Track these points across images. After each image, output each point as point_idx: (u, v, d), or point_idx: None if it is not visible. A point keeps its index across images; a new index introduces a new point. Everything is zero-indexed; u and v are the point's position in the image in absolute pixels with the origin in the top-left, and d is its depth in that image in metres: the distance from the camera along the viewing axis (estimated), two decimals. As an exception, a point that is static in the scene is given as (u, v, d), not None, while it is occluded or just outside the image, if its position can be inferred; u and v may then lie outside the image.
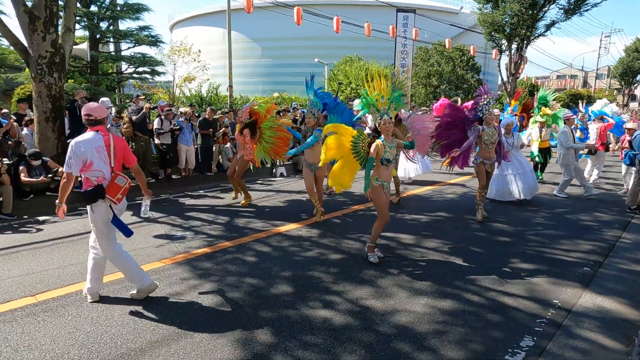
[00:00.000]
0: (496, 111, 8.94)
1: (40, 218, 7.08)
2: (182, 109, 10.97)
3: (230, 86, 15.98)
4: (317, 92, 6.88)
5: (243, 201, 8.14)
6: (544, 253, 5.52)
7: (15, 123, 8.44)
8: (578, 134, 10.50)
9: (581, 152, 10.16)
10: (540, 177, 10.40)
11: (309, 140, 6.68)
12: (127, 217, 7.18)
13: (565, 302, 4.14)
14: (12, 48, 9.27)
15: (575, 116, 9.62)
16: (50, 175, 7.89)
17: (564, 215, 7.42)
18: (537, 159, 10.35)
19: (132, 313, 3.83)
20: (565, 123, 9.09)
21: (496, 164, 7.11)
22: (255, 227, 6.56)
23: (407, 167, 9.95)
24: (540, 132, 10.19)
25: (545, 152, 10.32)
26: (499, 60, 29.18)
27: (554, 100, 11.89)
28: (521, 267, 5.01)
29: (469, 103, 7.99)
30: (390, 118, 4.92)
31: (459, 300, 4.14)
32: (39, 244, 5.75)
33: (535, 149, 10.31)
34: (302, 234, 6.22)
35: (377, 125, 4.98)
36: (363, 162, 5.07)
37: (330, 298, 4.16)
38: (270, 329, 3.59)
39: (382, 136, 4.89)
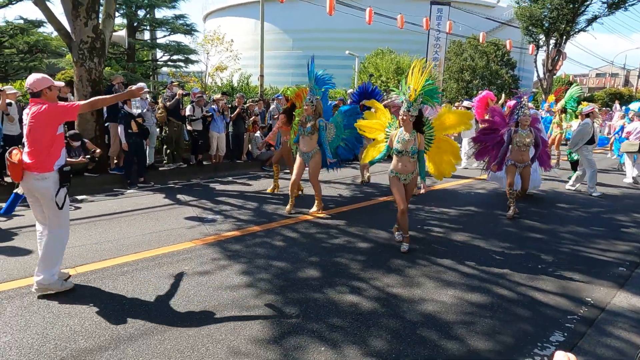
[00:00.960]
0: (531, 110, 8.70)
1: (79, 197, 7.36)
2: (215, 96, 11.14)
3: (262, 75, 16.11)
4: (318, 78, 6.54)
5: (269, 189, 8.23)
6: (577, 251, 5.37)
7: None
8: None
9: (625, 150, 9.88)
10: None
11: (308, 129, 6.44)
12: (160, 200, 7.41)
13: (599, 301, 4.04)
14: (54, 35, 9.61)
15: (595, 109, 9.29)
16: (88, 156, 8.19)
17: (600, 215, 7.19)
18: (571, 156, 10.05)
19: (164, 289, 3.96)
20: (587, 117, 8.77)
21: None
22: (284, 213, 6.64)
23: None
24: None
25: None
26: (536, 55, 28.22)
27: (584, 99, 11.71)
28: (553, 264, 4.90)
29: (511, 102, 7.91)
30: (410, 111, 4.84)
31: (488, 294, 4.09)
32: (78, 220, 5.99)
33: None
34: (330, 222, 6.26)
35: (400, 115, 4.99)
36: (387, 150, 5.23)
37: (357, 284, 4.19)
38: (298, 310, 3.65)
39: (402, 127, 4.94)
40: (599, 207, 7.78)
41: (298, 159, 6.68)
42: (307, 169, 6.80)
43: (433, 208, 7.29)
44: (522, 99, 6.86)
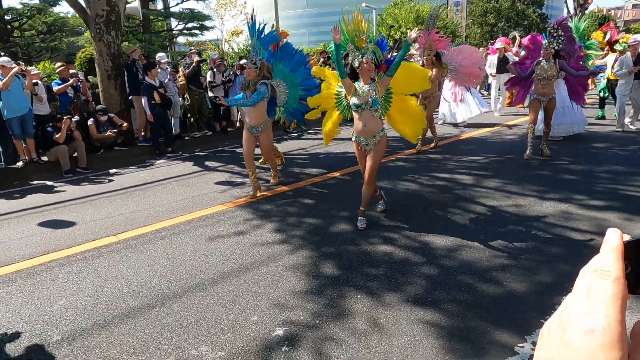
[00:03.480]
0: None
1: (111, 170, 7.59)
2: (242, 62, 11.02)
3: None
4: (261, 37, 5.39)
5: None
6: (615, 190, 5.21)
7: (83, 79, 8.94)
8: None
9: None
10: (600, 115, 9.69)
11: (252, 96, 5.16)
12: (189, 167, 7.56)
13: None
14: (70, 15, 9.62)
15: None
16: (115, 131, 8.36)
17: (638, 152, 6.90)
18: (601, 93, 9.58)
19: (202, 249, 4.10)
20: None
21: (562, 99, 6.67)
22: (310, 172, 6.66)
23: (456, 110, 9.55)
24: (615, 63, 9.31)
25: (612, 85, 9.48)
26: (566, -10, 26.52)
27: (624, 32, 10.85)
28: (590, 204, 4.78)
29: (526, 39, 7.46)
30: (371, 57, 4.15)
31: (523, 236, 4.05)
32: (113, 192, 6.21)
33: (603, 83, 9.51)
34: (358, 177, 6.25)
35: (356, 67, 4.18)
36: (343, 111, 4.62)
37: (389, 235, 4.22)
38: (332, 262, 3.73)
39: (361, 79, 4.19)
40: (636, 144, 7.45)
41: (245, 133, 5.55)
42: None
43: (462, 157, 7.15)
44: (551, 25, 6.25)
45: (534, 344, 2.61)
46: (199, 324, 2.94)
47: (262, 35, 5.40)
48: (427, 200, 5.11)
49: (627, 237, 0.40)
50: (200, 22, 17.11)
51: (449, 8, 23.77)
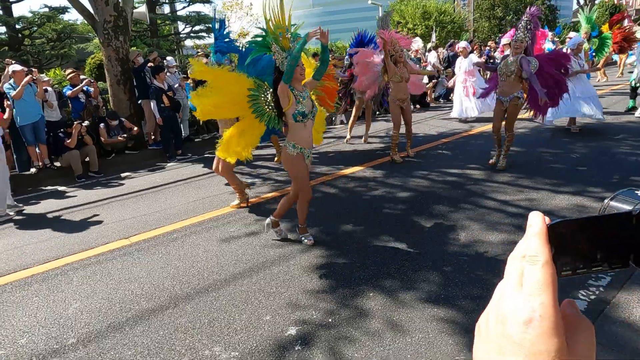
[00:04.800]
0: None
1: (123, 174, 7.65)
2: None
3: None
4: (217, 42, 5.00)
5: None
6: (631, 182, 5.11)
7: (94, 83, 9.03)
8: None
9: None
10: (631, 106, 9.48)
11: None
12: (199, 169, 7.59)
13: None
14: (79, 22, 9.73)
15: None
16: (125, 135, 8.43)
17: (654, 143, 6.77)
18: (634, 83, 9.33)
19: (214, 250, 4.12)
20: None
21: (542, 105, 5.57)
22: (321, 171, 6.65)
23: (467, 106, 9.44)
24: None
25: None
26: (575, -20, 26.13)
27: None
28: (605, 197, 4.68)
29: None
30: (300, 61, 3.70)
31: (536, 230, 3.99)
32: (125, 195, 6.26)
33: (636, 73, 9.22)
34: (367, 175, 6.23)
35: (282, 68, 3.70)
36: (270, 122, 4.06)
37: (400, 232, 4.19)
38: (344, 260, 3.71)
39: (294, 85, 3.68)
40: (653, 134, 7.31)
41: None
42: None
43: (472, 152, 7.08)
44: (523, 19, 5.35)
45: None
46: (212, 325, 2.94)
47: (221, 40, 4.97)
48: (438, 196, 5.06)
49: (547, 220, 0.40)
50: (207, 25, 17.19)
51: (455, 2, 23.58)
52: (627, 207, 0.40)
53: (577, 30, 10.58)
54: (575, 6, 26.91)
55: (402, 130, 6.79)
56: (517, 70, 5.37)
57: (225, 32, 5.05)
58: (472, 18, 25.19)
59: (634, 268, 0.40)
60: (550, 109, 7.50)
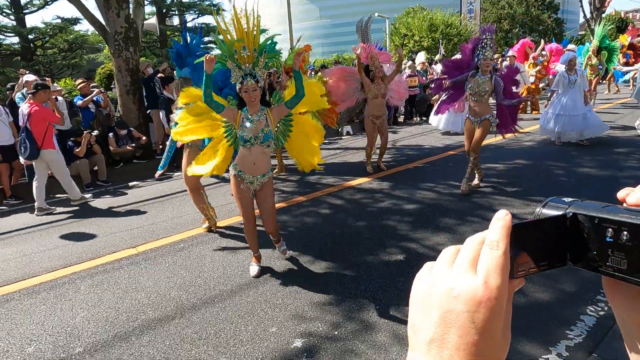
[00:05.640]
0: (495, 55, 6.79)
1: (130, 183, 7.71)
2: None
3: (292, 49, 15.95)
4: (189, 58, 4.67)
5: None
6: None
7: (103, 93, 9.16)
8: None
9: None
10: None
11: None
12: (206, 179, 7.60)
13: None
14: (90, 32, 9.89)
15: None
16: (133, 145, 8.52)
17: (663, 157, 6.73)
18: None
19: (220, 261, 4.13)
20: None
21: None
22: (327, 182, 6.67)
23: (454, 119, 9.27)
24: None
25: None
26: (581, -6, 26.23)
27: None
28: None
29: (549, 46, 7.29)
30: (258, 81, 3.34)
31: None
32: (133, 204, 6.31)
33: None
34: (374, 187, 6.24)
35: (237, 91, 3.43)
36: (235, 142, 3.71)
37: (406, 245, 4.19)
38: (351, 272, 3.71)
39: (247, 107, 3.42)
40: (662, 148, 7.27)
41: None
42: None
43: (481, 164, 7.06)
44: (485, 37, 5.11)
45: (559, 355, 2.55)
46: (218, 336, 2.94)
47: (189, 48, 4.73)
48: (445, 208, 5.06)
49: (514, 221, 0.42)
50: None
51: (462, 15, 23.72)
52: (557, 213, 0.44)
53: (584, 44, 10.60)
54: (582, 19, 26.95)
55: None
56: (490, 90, 5.21)
57: (194, 43, 4.84)
58: (479, 31, 25.34)
59: (571, 266, 0.44)
60: (556, 130, 7.58)
